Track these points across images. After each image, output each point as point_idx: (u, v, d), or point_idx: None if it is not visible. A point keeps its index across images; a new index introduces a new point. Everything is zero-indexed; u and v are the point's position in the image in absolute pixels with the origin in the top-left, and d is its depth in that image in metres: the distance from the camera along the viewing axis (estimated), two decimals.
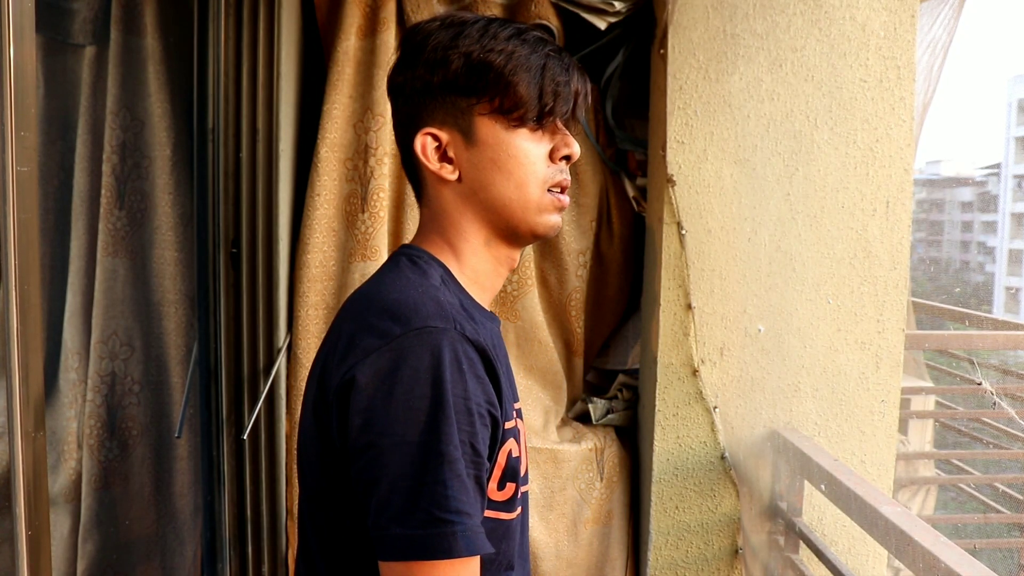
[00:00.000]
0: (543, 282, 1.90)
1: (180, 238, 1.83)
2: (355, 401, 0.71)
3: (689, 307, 1.71)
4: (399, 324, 0.73)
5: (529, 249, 1.82)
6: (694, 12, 1.68)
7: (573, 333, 1.90)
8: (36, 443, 0.99)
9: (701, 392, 1.72)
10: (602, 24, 1.75)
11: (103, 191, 1.76)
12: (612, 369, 1.97)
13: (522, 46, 0.83)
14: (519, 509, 0.84)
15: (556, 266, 1.88)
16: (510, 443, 0.79)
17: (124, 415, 1.81)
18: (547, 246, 1.87)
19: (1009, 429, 3.56)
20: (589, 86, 0.89)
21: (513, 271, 0.92)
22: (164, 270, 1.82)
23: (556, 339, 1.91)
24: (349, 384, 0.72)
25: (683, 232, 1.70)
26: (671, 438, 1.74)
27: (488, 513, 0.77)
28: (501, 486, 0.79)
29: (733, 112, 1.70)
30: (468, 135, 0.83)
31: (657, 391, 1.72)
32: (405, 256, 0.86)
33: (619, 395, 1.92)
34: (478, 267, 0.87)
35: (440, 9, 1.78)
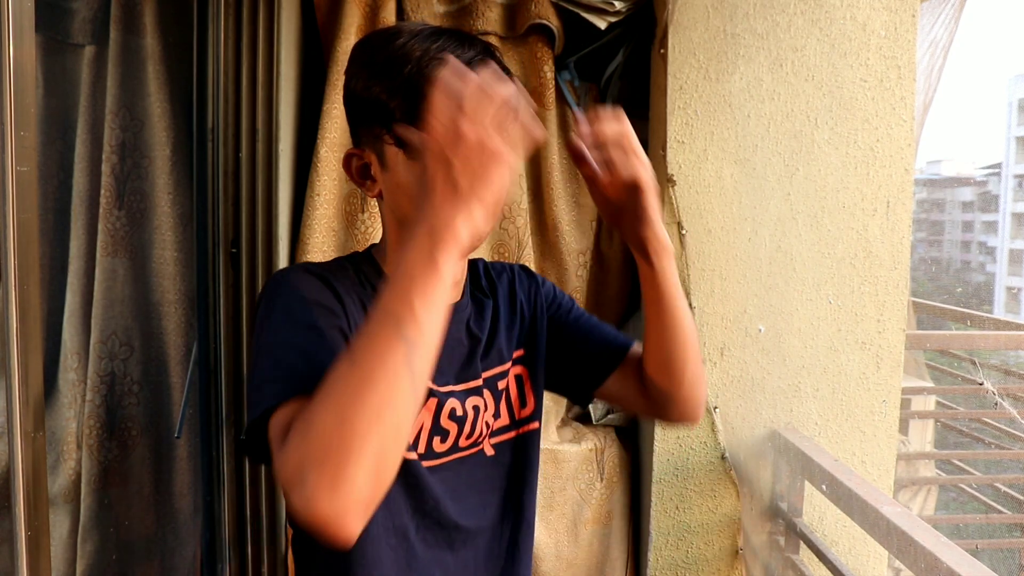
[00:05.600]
0: None
1: (180, 238, 1.83)
2: None
3: (689, 307, 1.71)
4: None
5: (530, 249, 1.81)
6: (694, 12, 1.68)
7: None
8: (36, 443, 0.99)
9: None
10: (602, 24, 1.75)
11: (103, 191, 1.76)
12: None
13: (419, 72, 0.80)
14: (416, 455, 0.89)
15: (556, 266, 1.88)
16: None
17: (124, 415, 1.81)
18: (547, 246, 1.87)
19: (1010, 429, 3.56)
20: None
21: (456, 282, 0.95)
22: (164, 270, 1.82)
23: None
24: None
25: (683, 232, 1.70)
26: (671, 438, 1.74)
27: None
28: None
29: (733, 112, 1.70)
30: (381, 160, 0.86)
31: None
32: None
33: None
34: None
35: (440, 9, 1.78)
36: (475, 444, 0.96)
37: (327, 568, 0.90)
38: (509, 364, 1.00)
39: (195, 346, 1.78)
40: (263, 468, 1.76)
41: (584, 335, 1.06)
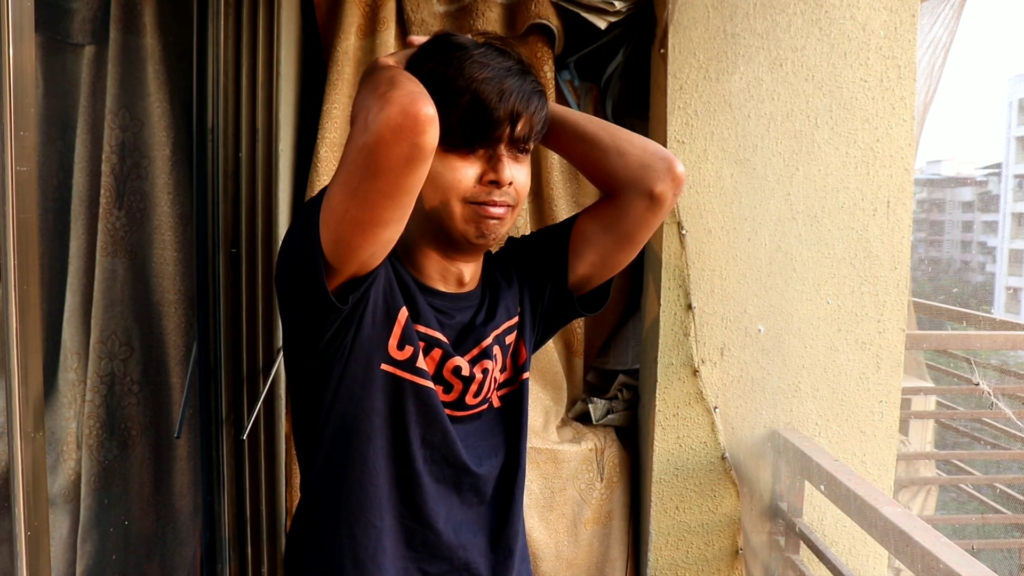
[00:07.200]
0: None
1: (180, 238, 1.82)
2: None
3: (689, 307, 1.71)
4: None
5: None
6: (694, 12, 1.68)
7: (573, 333, 1.90)
8: (35, 443, 0.99)
9: (701, 392, 1.72)
10: (602, 24, 1.75)
11: (102, 191, 1.75)
12: (612, 369, 1.97)
13: (459, 74, 0.90)
14: (432, 384, 0.99)
15: None
16: (406, 312, 0.96)
17: (124, 415, 1.81)
18: None
19: (1009, 429, 3.56)
20: (536, 109, 0.95)
21: (462, 283, 1.05)
22: (164, 270, 1.82)
23: (556, 339, 1.90)
24: None
25: (683, 232, 1.70)
26: (671, 438, 1.74)
27: (385, 367, 0.95)
28: (400, 346, 0.96)
29: (733, 112, 1.70)
30: None
31: (657, 391, 1.72)
32: None
33: (619, 395, 1.92)
34: (421, 264, 1.01)
35: (440, 9, 1.78)
36: (484, 401, 1.06)
37: (327, 467, 0.97)
38: (516, 319, 1.10)
39: (195, 346, 1.78)
40: (263, 468, 1.76)
41: (542, 232, 1.17)
